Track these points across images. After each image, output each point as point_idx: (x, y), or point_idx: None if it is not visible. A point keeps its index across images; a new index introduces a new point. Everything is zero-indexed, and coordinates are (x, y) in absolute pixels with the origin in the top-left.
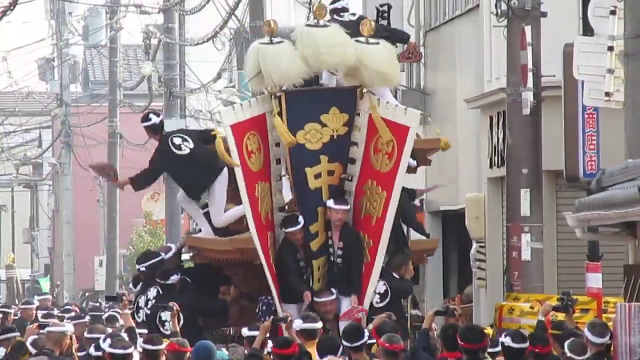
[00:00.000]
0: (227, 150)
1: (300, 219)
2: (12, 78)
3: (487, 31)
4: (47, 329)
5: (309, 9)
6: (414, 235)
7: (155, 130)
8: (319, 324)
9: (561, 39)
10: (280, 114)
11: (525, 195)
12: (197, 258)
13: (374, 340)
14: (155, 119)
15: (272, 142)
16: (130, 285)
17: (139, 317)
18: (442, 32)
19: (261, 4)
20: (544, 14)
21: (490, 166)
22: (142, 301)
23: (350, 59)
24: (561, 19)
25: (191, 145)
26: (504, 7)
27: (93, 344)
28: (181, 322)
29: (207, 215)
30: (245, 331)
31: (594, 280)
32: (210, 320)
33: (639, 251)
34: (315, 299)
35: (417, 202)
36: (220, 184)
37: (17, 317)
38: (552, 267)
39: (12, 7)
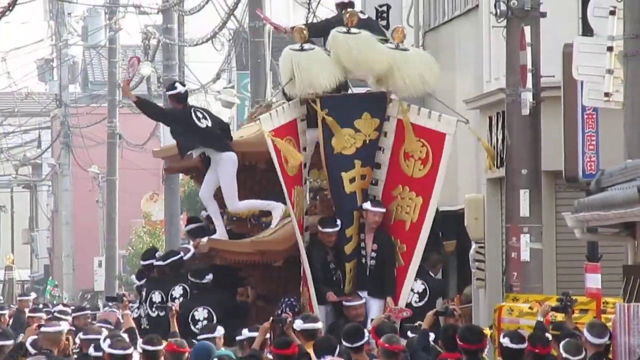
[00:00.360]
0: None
1: (338, 221)
2: (11, 79)
3: (487, 31)
4: (43, 329)
5: (308, 9)
6: None
7: (179, 100)
8: (319, 324)
9: (560, 39)
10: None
11: (524, 195)
12: (217, 260)
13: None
14: (180, 88)
15: (302, 147)
16: (133, 277)
17: (153, 312)
18: (441, 32)
19: (260, 4)
20: (544, 14)
21: (490, 167)
22: (157, 296)
23: (383, 64)
24: (560, 19)
25: (209, 123)
26: (503, 7)
27: (92, 344)
28: (214, 321)
29: (208, 218)
30: (245, 332)
31: (593, 281)
32: (232, 321)
33: (638, 252)
34: (345, 303)
35: None
36: (229, 167)
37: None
38: (551, 267)
39: (11, 8)
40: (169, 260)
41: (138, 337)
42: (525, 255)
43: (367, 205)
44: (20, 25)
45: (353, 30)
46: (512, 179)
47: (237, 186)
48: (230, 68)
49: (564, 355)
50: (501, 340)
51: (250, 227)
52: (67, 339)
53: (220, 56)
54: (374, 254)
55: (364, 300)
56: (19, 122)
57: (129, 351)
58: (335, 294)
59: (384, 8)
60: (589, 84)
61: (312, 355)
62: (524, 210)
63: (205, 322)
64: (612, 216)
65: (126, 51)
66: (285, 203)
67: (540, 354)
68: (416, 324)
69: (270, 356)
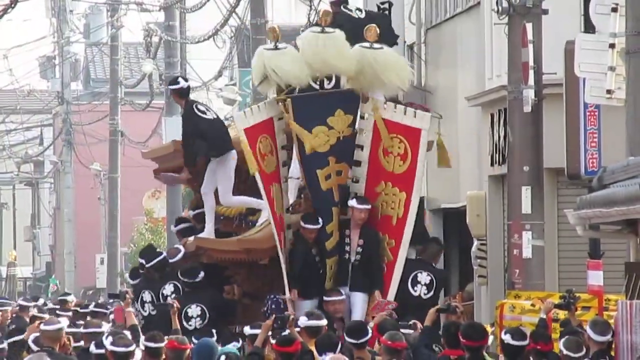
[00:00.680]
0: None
1: (320, 219)
2: (13, 76)
3: (488, 29)
4: (42, 327)
5: (310, 6)
6: None
7: (182, 95)
8: (324, 322)
9: (562, 36)
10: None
11: (526, 192)
12: (204, 258)
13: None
14: (183, 83)
15: (280, 145)
16: (127, 276)
17: (145, 312)
18: (443, 29)
19: (262, 1)
20: (545, 12)
21: (492, 164)
22: (147, 296)
23: (352, 64)
24: (562, 16)
25: (214, 115)
26: (505, 4)
27: (94, 342)
28: (206, 319)
29: (201, 215)
30: (247, 329)
31: (595, 278)
32: (219, 319)
33: None
34: (325, 298)
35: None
36: (229, 162)
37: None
38: (553, 264)
39: (13, 5)
40: (152, 263)
41: (141, 334)
42: (527, 253)
43: (352, 202)
44: (22, 23)
45: (327, 29)
46: (514, 176)
47: None
48: (232, 65)
49: (565, 352)
50: (503, 337)
51: (237, 226)
52: (69, 339)
53: (222, 53)
54: (359, 249)
55: (343, 296)
56: (21, 119)
57: (131, 348)
58: (319, 289)
59: (386, 5)
60: (591, 81)
61: (315, 352)
62: (526, 207)
63: (198, 319)
64: (614, 213)
65: (128, 48)
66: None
67: (542, 351)
68: (410, 322)
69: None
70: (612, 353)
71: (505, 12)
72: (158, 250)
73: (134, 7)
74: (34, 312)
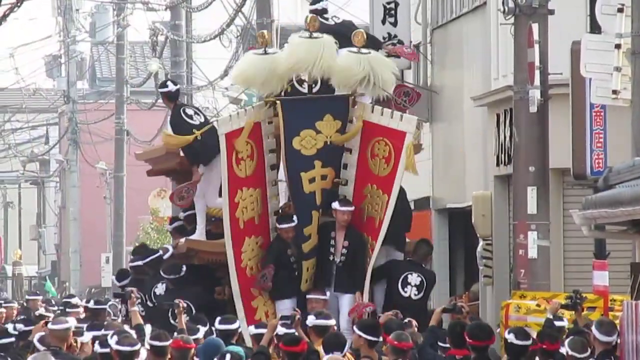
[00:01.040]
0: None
1: (295, 218)
2: (19, 75)
3: (494, 29)
4: (50, 326)
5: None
6: None
7: (170, 98)
8: (332, 321)
9: (569, 36)
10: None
11: (532, 193)
12: (196, 260)
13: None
14: (171, 87)
15: (267, 149)
16: (113, 277)
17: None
18: (449, 29)
19: (268, 1)
20: (552, 12)
21: (497, 164)
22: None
23: (352, 66)
24: (569, 16)
25: (202, 119)
26: (511, 4)
27: (98, 341)
28: (192, 313)
29: (191, 217)
30: (252, 329)
31: (601, 278)
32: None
33: None
34: (307, 296)
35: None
36: (216, 165)
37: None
38: (559, 265)
39: (19, 4)
40: (147, 260)
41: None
42: (532, 253)
43: (335, 204)
44: (28, 22)
45: (315, 34)
46: (520, 176)
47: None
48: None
49: (570, 352)
50: (506, 336)
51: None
52: (75, 339)
53: (227, 53)
54: (344, 251)
55: (326, 296)
56: (26, 118)
57: (136, 347)
58: (294, 289)
59: (392, 5)
60: (597, 81)
61: (321, 352)
62: (532, 207)
63: (184, 315)
64: (620, 213)
65: (134, 47)
66: None
67: (548, 350)
68: (405, 320)
69: None
70: (618, 353)
71: (512, 12)
72: (152, 248)
73: (140, 6)
74: (41, 310)
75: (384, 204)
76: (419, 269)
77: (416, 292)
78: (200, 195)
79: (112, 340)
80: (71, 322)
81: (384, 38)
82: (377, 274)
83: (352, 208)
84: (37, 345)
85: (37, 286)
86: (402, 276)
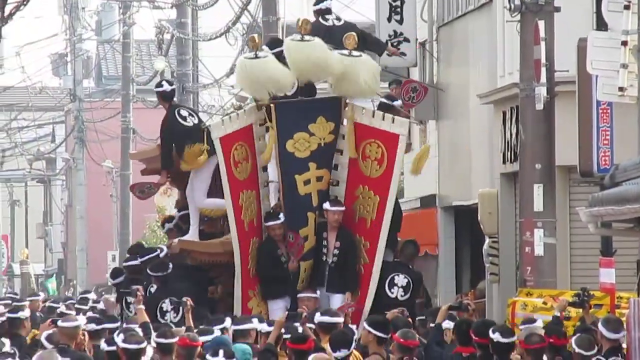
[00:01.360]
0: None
1: (281, 215)
2: (25, 73)
3: (501, 26)
4: (60, 324)
5: None
6: None
7: (165, 98)
8: (340, 319)
9: (575, 33)
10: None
11: (538, 190)
12: (189, 260)
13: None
14: (166, 87)
15: (259, 151)
16: (108, 276)
17: (130, 312)
18: (455, 27)
19: None
20: (558, 9)
21: (503, 161)
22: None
23: (333, 71)
24: (575, 13)
25: (196, 121)
26: (517, 1)
27: (104, 339)
28: (181, 313)
29: (186, 217)
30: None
31: (607, 276)
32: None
33: None
34: (298, 295)
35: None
36: (206, 167)
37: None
38: (565, 262)
39: (25, 2)
40: (145, 258)
41: (152, 331)
42: (539, 250)
43: (326, 205)
44: (34, 20)
45: (307, 37)
46: (526, 174)
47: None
48: None
49: (577, 350)
50: (491, 335)
51: (221, 227)
52: (83, 335)
53: (233, 51)
54: (336, 251)
55: (317, 295)
56: (33, 116)
57: (142, 345)
58: (286, 289)
59: (398, 3)
60: (603, 78)
61: (328, 349)
62: (538, 204)
63: (172, 312)
64: (626, 211)
65: (140, 46)
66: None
67: (555, 345)
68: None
69: None
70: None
71: (518, 9)
72: (149, 247)
73: (145, 4)
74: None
75: (376, 205)
76: (405, 270)
77: (403, 293)
78: (190, 196)
79: (119, 338)
80: (80, 320)
81: (389, 36)
82: None
83: (343, 208)
84: (45, 343)
85: (43, 285)
86: (389, 277)
